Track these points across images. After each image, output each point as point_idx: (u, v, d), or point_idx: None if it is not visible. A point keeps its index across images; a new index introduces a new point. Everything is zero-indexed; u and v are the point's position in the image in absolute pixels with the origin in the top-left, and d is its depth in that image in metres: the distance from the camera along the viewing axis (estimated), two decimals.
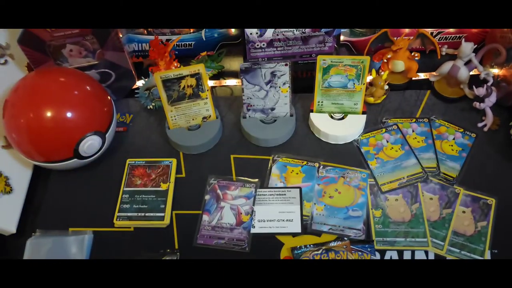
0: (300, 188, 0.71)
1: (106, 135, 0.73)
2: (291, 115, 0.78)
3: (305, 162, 0.74)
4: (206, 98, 0.75)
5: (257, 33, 0.79)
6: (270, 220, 0.69)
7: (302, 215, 0.69)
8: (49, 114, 0.67)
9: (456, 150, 0.74)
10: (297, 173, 0.73)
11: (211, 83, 0.87)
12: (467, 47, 0.76)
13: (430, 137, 0.76)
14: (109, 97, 0.76)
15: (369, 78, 0.81)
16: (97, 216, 0.71)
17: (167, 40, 0.85)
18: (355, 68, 0.72)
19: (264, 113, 0.78)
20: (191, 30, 0.87)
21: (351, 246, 0.66)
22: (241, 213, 0.69)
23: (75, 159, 0.71)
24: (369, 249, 0.65)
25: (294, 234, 0.68)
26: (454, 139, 0.76)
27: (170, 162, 0.76)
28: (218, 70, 0.88)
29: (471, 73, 0.79)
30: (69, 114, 0.68)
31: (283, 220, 0.69)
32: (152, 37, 0.84)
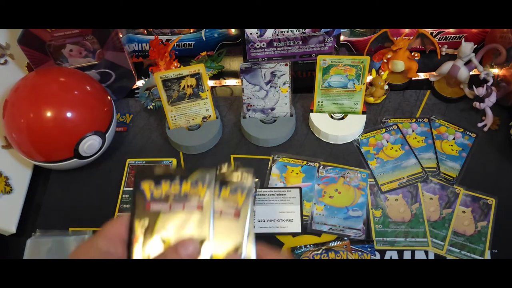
0: (300, 188, 0.71)
1: (106, 135, 0.73)
2: (291, 115, 0.78)
3: (305, 162, 0.74)
4: (206, 98, 0.75)
5: (257, 33, 0.79)
6: (270, 220, 0.69)
7: (302, 215, 0.69)
8: (49, 114, 0.67)
9: (456, 150, 0.74)
10: (297, 173, 0.73)
11: (211, 83, 0.87)
12: (467, 47, 0.76)
13: (430, 137, 0.76)
14: (109, 97, 0.76)
15: (369, 78, 0.81)
16: (97, 216, 0.71)
17: (167, 40, 0.85)
18: (355, 68, 0.72)
19: (264, 113, 0.78)
20: (191, 30, 0.87)
21: (351, 246, 0.66)
22: None
23: (75, 159, 0.71)
24: (369, 249, 0.65)
25: (294, 234, 0.68)
26: (454, 139, 0.76)
27: (170, 162, 0.76)
28: (218, 70, 0.88)
29: (471, 73, 0.79)
30: (69, 114, 0.68)
31: (283, 220, 0.69)
32: (152, 37, 0.84)
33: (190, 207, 0.40)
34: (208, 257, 0.40)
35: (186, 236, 0.39)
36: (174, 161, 0.76)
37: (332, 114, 0.78)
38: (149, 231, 0.40)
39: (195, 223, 0.40)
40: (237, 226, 0.41)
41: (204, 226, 0.40)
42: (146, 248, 0.39)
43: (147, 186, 0.41)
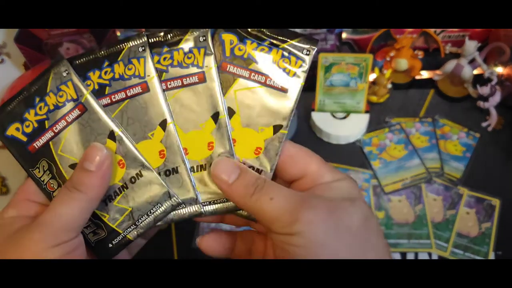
0: None
1: None
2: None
3: None
4: None
5: None
6: None
7: None
8: None
9: (460, 150, 0.73)
10: None
11: None
12: (470, 46, 0.75)
13: (434, 137, 0.75)
14: None
15: (371, 77, 0.80)
16: None
17: None
18: (358, 66, 0.71)
19: None
20: None
21: None
22: None
23: None
24: None
25: None
26: (458, 139, 0.75)
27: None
28: None
29: (475, 72, 0.77)
30: None
31: None
32: None
33: (72, 119, 0.33)
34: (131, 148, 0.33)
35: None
36: None
37: (334, 113, 0.77)
38: (54, 169, 0.34)
39: (89, 126, 0.33)
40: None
41: (99, 122, 0.33)
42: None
43: (13, 130, 0.34)
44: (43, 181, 0.34)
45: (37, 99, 0.34)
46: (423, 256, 0.65)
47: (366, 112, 0.76)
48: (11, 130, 0.34)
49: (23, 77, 0.70)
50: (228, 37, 0.35)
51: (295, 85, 0.34)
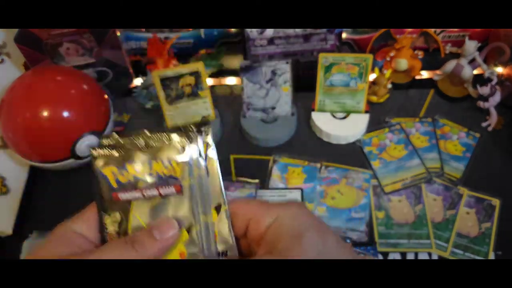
0: (301, 189, 0.70)
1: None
2: (292, 114, 0.77)
3: (306, 163, 0.73)
4: (205, 97, 0.74)
5: (257, 30, 0.77)
6: None
7: None
8: (45, 113, 0.66)
9: (460, 150, 0.73)
10: (298, 174, 0.72)
11: (210, 81, 0.86)
12: (470, 46, 0.75)
13: (434, 136, 0.75)
14: (106, 96, 0.75)
15: (371, 77, 0.80)
16: None
17: (166, 38, 0.84)
18: (358, 66, 0.71)
19: (265, 112, 0.76)
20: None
21: (354, 248, 0.65)
22: None
23: (72, 159, 0.70)
24: (371, 251, 0.64)
25: None
26: (458, 139, 0.75)
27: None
28: (217, 68, 0.87)
29: (475, 71, 0.77)
30: (66, 114, 0.67)
31: None
32: (150, 35, 0.83)
33: (164, 193, 0.35)
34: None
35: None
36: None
37: (334, 113, 0.77)
38: (123, 226, 0.35)
39: (175, 207, 0.35)
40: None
41: (184, 208, 0.35)
42: None
43: (109, 171, 0.36)
44: (106, 228, 0.35)
45: (145, 158, 0.35)
46: (423, 256, 0.65)
47: (366, 112, 0.76)
48: (107, 171, 0.35)
49: (23, 77, 0.70)
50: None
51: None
